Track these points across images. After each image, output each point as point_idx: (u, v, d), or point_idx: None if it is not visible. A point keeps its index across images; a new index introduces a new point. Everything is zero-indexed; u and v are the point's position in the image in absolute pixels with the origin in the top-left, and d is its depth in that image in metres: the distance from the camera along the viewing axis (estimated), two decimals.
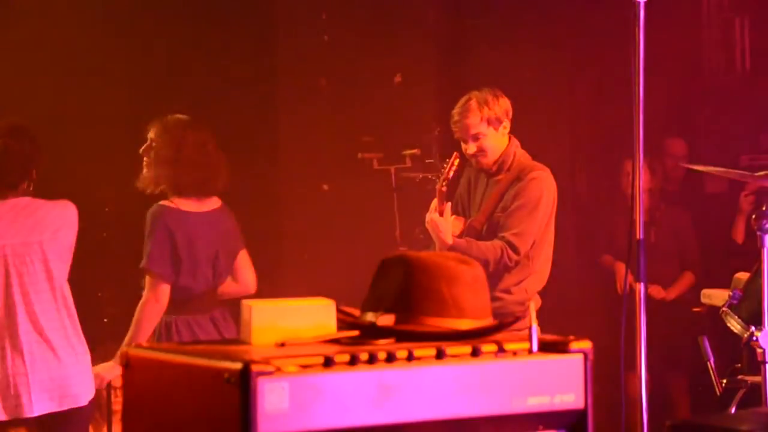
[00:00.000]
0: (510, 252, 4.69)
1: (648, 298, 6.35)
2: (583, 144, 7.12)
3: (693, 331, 4.88)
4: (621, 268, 6.21)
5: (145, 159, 4.68)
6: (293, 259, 6.70)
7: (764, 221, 3.49)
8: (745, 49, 7.10)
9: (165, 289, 4.56)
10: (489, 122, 4.81)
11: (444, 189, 4.76)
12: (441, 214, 4.72)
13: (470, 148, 4.82)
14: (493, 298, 4.67)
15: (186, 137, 4.64)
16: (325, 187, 7.07)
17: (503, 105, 4.87)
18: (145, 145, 4.69)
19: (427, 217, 4.74)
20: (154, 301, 4.55)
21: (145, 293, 4.59)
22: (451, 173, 4.77)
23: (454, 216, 4.85)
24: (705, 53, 7.29)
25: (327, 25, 7.02)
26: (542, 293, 4.98)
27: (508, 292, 4.77)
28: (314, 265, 6.65)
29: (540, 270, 4.85)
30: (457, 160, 4.77)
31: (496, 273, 4.68)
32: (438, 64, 7.06)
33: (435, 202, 4.77)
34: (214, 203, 4.75)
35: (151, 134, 4.68)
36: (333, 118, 6.89)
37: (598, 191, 7.10)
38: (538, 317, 5.02)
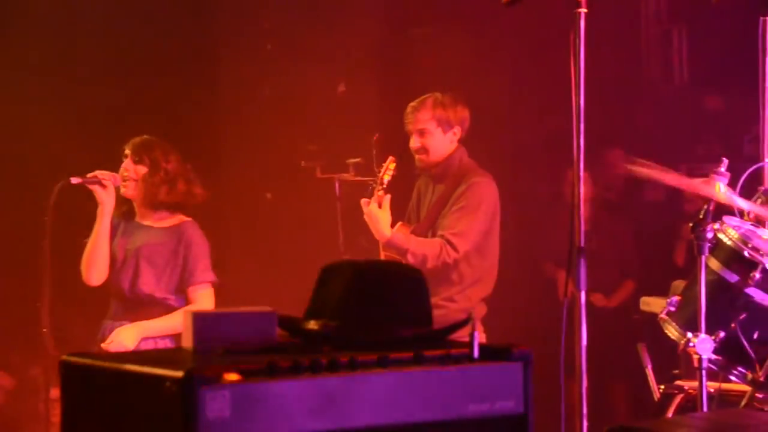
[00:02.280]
0: (449, 249, 4.70)
1: (589, 305, 6.46)
2: (526, 152, 7.17)
3: (633, 338, 4.93)
4: (562, 275, 6.26)
5: (133, 171, 4.72)
6: (236, 268, 6.67)
7: (702, 229, 3.55)
8: (683, 60, 7.20)
9: None
10: (439, 122, 4.85)
11: (381, 192, 4.76)
12: (380, 206, 4.72)
13: (414, 142, 4.86)
14: (437, 306, 4.74)
15: (175, 155, 4.72)
16: (269, 195, 7.06)
17: (460, 112, 4.90)
18: (138, 161, 4.73)
19: (365, 209, 4.74)
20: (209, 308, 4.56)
21: (206, 304, 4.63)
22: (387, 176, 4.77)
23: (400, 223, 4.86)
24: (644, 64, 7.38)
25: (270, 35, 7.02)
26: (486, 300, 5.00)
27: (451, 300, 4.79)
28: (258, 273, 6.63)
29: (484, 278, 4.88)
30: (393, 164, 4.78)
31: (435, 271, 4.68)
32: (381, 73, 7.09)
33: (374, 195, 4.77)
34: None
35: (153, 151, 4.73)
36: (276, 126, 6.88)
37: (541, 199, 7.16)
38: (482, 324, 5.05)
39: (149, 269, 4.70)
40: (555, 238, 6.51)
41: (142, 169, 4.72)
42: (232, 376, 2.04)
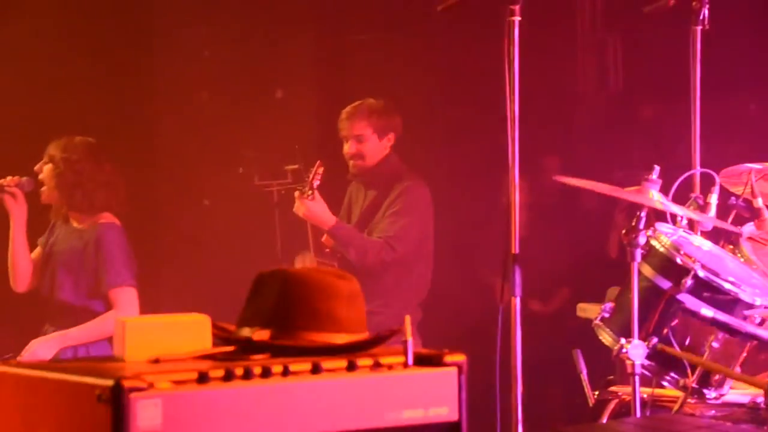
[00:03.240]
0: (388, 249, 4.73)
1: (526, 311, 6.52)
2: (463, 158, 7.21)
3: (569, 344, 4.98)
4: (499, 281, 6.30)
5: (46, 175, 4.64)
6: (172, 275, 6.62)
7: (634, 236, 3.58)
8: (618, 68, 7.28)
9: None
10: (375, 129, 4.88)
11: (311, 197, 4.74)
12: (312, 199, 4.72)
13: (350, 148, 4.88)
14: (373, 313, 4.74)
15: (101, 156, 4.65)
16: (206, 202, 7.02)
17: (394, 120, 4.94)
18: (47, 163, 4.65)
19: (299, 207, 4.73)
20: (132, 314, 4.47)
21: (128, 308, 4.51)
22: (316, 181, 4.77)
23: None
24: (579, 72, 7.44)
25: (207, 40, 6.98)
26: (422, 306, 5.02)
27: (387, 306, 4.80)
28: (194, 281, 6.59)
29: (419, 283, 4.90)
30: (321, 168, 4.79)
31: (372, 273, 4.68)
32: (319, 79, 7.09)
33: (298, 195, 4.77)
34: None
35: (62, 153, 4.64)
36: (214, 132, 6.85)
37: (478, 205, 7.20)
38: (418, 330, 5.07)
39: (66, 274, 4.61)
40: (492, 244, 6.55)
41: (55, 171, 4.63)
42: (164, 385, 2.02)
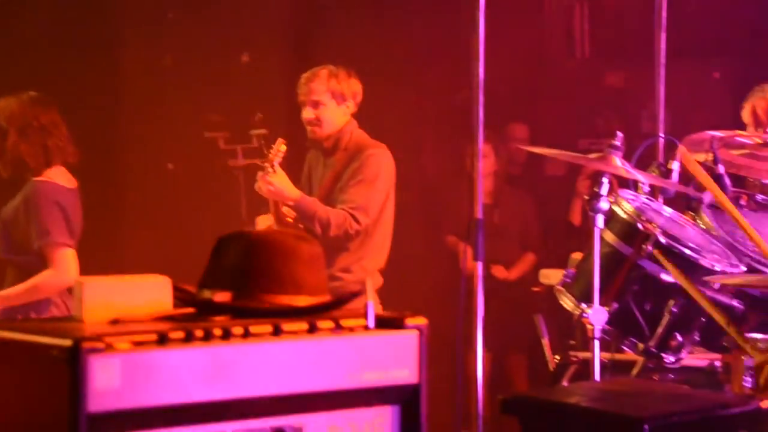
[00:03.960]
0: (352, 221, 4.72)
1: (491, 278, 6.56)
2: (431, 125, 7.21)
3: (533, 310, 5.01)
4: (463, 247, 6.33)
5: None
6: (137, 238, 6.60)
7: (596, 202, 3.60)
8: (584, 36, 7.29)
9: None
10: (333, 95, 4.84)
11: (271, 176, 4.72)
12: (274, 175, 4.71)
13: (308, 113, 4.85)
14: (333, 278, 4.75)
15: (44, 114, 4.55)
16: (170, 166, 6.99)
17: (353, 85, 4.90)
18: None
19: (261, 185, 4.71)
20: (66, 273, 4.39)
21: (64, 267, 4.44)
22: (277, 159, 4.75)
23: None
24: (546, 39, 7.45)
25: (171, 3, 6.92)
26: (387, 272, 5.02)
27: (347, 271, 4.80)
28: (159, 244, 6.56)
29: (380, 249, 4.89)
30: (283, 146, 4.75)
31: (332, 241, 4.68)
32: (285, 43, 7.05)
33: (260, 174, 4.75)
34: (73, 182, 4.67)
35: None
36: (178, 96, 6.81)
37: (444, 172, 7.21)
38: (380, 296, 5.08)
39: (5, 233, 4.57)
40: (457, 210, 6.57)
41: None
42: (123, 345, 2.01)
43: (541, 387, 4.13)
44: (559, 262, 4.83)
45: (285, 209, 4.83)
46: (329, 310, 2.38)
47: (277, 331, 2.20)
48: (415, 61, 6.95)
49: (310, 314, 2.33)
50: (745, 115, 4.83)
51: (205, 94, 6.76)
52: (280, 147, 4.74)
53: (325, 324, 2.27)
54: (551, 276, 4.80)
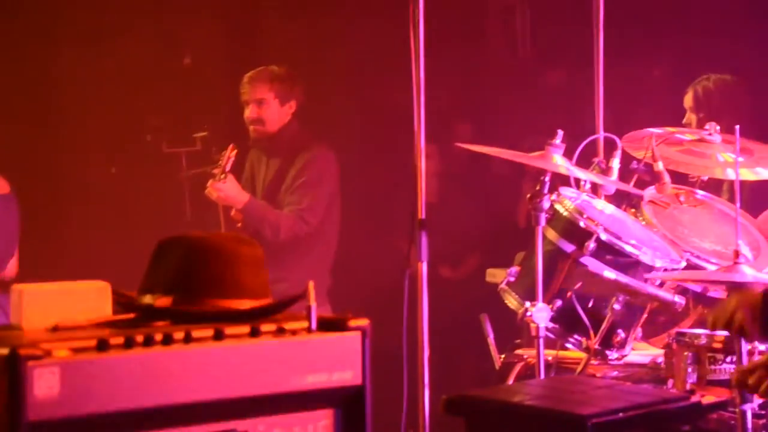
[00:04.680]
0: (301, 223, 4.73)
1: (436, 277, 6.57)
2: (377, 124, 7.21)
3: (479, 310, 5.04)
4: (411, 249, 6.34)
5: None
6: (79, 244, 6.53)
7: (538, 200, 3.62)
8: (527, 34, 7.33)
9: None
10: (277, 94, 4.86)
11: (223, 180, 4.72)
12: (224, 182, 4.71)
13: (251, 112, 4.86)
14: (281, 279, 4.75)
15: None
16: (113, 170, 6.93)
17: (296, 86, 4.93)
18: None
19: (211, 192, 4.72)
20: None
21: None
22: (228, 165, 4.75)
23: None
24: (489, 39, 7.48)
25: (111, 6, 6.87)
26: (335, 273, 5.03)
27: (295, 272, 4.80)
28: (102, 250, 6.50)
29: (326, 248, 4.90)
30: (234, 152, 4.76)
31: (281, 243, 4.68)
32: (227, 45, 7.02)
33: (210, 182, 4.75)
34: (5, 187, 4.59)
35: None
36: (121, 99, 6.75)
37: (390, 172, 7.22)
38: (329, 297, 5.07)
39: None
40: (402, 210, 6.57)
41: None
42: (62, 353, 1.99)
43: (487, 386, 4.15)
44: (505, 261, 4.86)
45: (234, 213, 4.83)
46: (271, 313, 2.38)
47: (218, 336, 2.19)
48: (358, 61, 6.95)
49: (252, 317, 2.31)
50: (687, 99, 4.87)
51: (147, 97, 6.72)
52: (231, 153, 4.75)
53: (267, 327, 2.26)
54: (498, 275, 4.81)
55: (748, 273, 3.15)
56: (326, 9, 6.82)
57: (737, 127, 3.33)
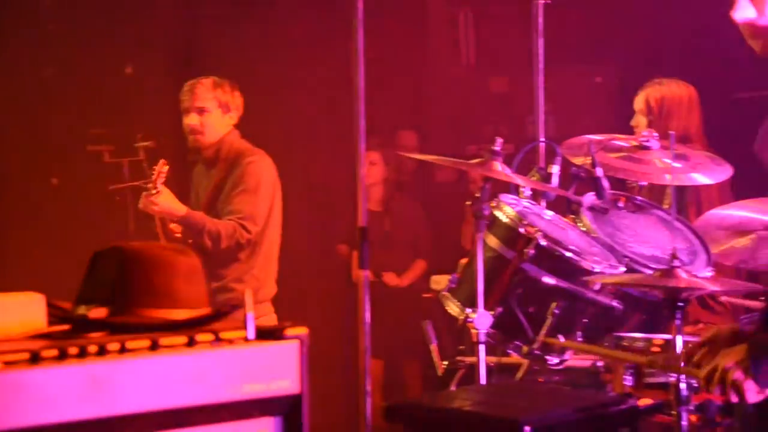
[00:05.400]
0: (242, 231, 4.71)
1: (383, 285, 6.58)
2: (322, 133, 7.21)
3: (425, 317, 5.06)
4: (354, 255, 6.35)
5: None
6: (20, 255, 6.47)
7: (478, 207, 3.64)
8: (470, 43, 7.37)
9: None
10: (219, 103, 4.84)
11: (156, 194, 4.70)
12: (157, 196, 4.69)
13: (192, 119, 4.83)
14: (227, 289, 4.74)
15: None
16: (54, 180, 6.87)
17: (236, 98, 4.91)
18: None
19: (145, 204, 4.70)
20: None
21: None
22: (160, 180, 4.73)
23: None
24: (432, 47, 7.52)
25: (51, 14, 6.81)
26: (279, 281, 5.02)
27: (240, 281, 4.79)
28: (44, 261, 6.44)
29: (269, 256, 4.89)
30: (166, 167, 4.74)
31: (224, 252, 4.67)
32: (169, 54, 6.99)
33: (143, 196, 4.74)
34: None
35: None
36: (61, 109, 6.70)
37: (335, 181, 7.22)
38: (274, 305, 5.05)
39: None
40: (347, 218, 6.59)
41: None
42: None
43: (428, 393, 4.16)
44: (451, 268, 4.88)
45: (173, 225, 4.81)
46: (208, 323, 2.37)
47: (154, 346, 2.18)
48: (300, 70, 6.95)
49: (189, 327, 2.30)
50: (638, 101, 4.89)
51: (88, 107, 6.67)
52: (162, 168, 4.72)
53: (204, 337, 2.25)
54: (442, 282, 4.82)
55: (683, 277, 3.18)
56: (267, 18, 6.81)
57: (672, 133, 3.37)
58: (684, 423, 2.97)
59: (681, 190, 4.54)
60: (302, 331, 2.37)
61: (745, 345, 2.38)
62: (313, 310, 5.72)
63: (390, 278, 6.69)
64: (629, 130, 4.80)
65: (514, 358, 3.76)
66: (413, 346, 6.54)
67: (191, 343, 2.23)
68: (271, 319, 4.94)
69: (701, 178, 4.04)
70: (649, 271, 3.65)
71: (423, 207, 7.02)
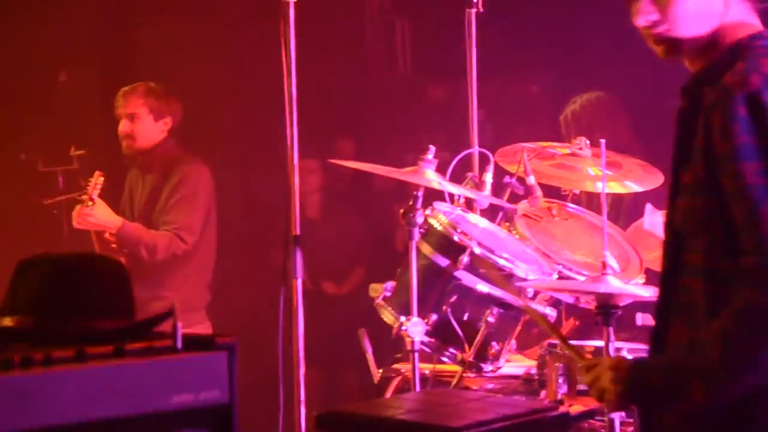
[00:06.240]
0: (178, 242, 4.69)
1: (321, 293, 6.56)
2: (257, 141, 7.19)
3: (362, 325, 5.05)
4: (289, 263, 6.32)
5: None
6: None
7: (412, 215, 3.65)
8: (407, 50, 7.39)
9: None
10: (151, 109, 4.83)
11: (91, 207, 4.66)
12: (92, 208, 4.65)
13: (124, 126, 4.83)
14: (161, 298, 4.70)
15: None
16: None
17: (171, 103, 4.89)
18: None
19: (80, 220, 4.66)
20: None
21: None
22: (95, 192, 4.70)
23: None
24: (369, 55, 7.52)
25: None
26: (214, 290, 4.99)
27: (176, 289, 4.76)
28: None
29: (205, 264, 4.87)
30: (101, 179, 4.71)
31: (164, 263, 4.65)
32: (104, 61, 6.94)
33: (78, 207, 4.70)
34: None
35: None
36: None
37: (270, 188, 7.20)
38: (208, 313, 5.02)
39: None
40: (281, 226, 6.54)
41: None
42: None
43: (360, 401, 4.16)
44: (390, 276, 4.88)
45: (108, 236, 4.77)
46: (136, 333, 2.34)
47: (80, 357, 2.15)
48: (236, 77, 6.93)
49: (116, 338, 2.28)
50: (562, 128, 4.98)
51: (21, 115, 6.59)
52: (98, 180, 4.69)
53: (132, 347, 2.23)
54: (379, 290, 4.83)
55: (614, 284, 3.21)
56: (204, 26, 6.78)
57: (602, 141, 3.40)
58: (616, 429, 2.99)
59: (618, 198, 4.59)
60: (231, 340, 2.35)
61: (629, 367, 2.38)
62: (249, 318, 5.69)
63: (329, 286, 6.68)
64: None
65: (449, 365, 3.77)
66: (352, 354, 6.51)
67: (118, 353, 2.20)
68: (206, 328, 4.92)
69: (633, 186, 4.08)
70: (582, 278, 3.68)
71: (362, 215, 7.01)
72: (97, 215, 4.65)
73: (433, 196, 3.93)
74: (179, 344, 2.29)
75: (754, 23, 2.43)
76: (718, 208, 2.24)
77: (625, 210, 4.63)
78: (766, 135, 2.20)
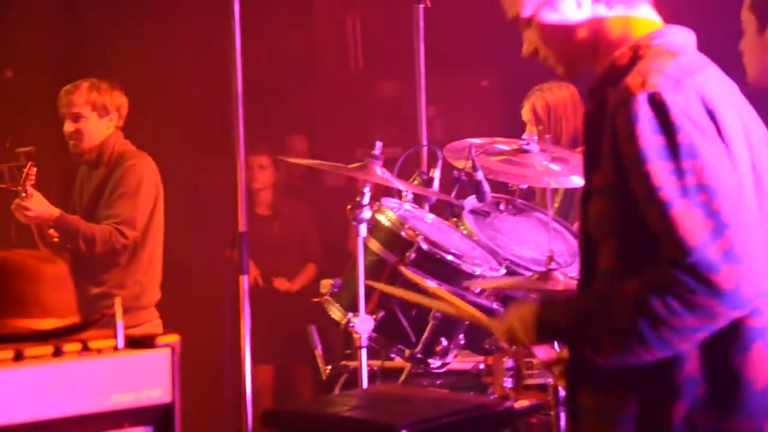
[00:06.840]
0: (118, 236, 4.65)
1: (273, 290, 6.54)
2: (206, 137, 7.15)
3: (315, 321, 5.04)
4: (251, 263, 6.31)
5: None
6: None
7: (359, 211, 3.64)
8: (358, 47, 7.38)
9: None
10: (94, 107, 4.78)
11: (25, 200, 4.61)
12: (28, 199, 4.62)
13: (68, 126, 4.79)
14: (108, 295, 4.65)
15: None
16: None
17: (117, 98, 4.84)
18: None
19: (18, 210, 4.61)
20: None
21: None
22: (29, 183, 4.65)
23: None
24: (321, 51, 7.51)
25: None
26: (165, 287, 4.95)
27: (121, 286, 4.72)
28: None
29: (151, 261, 4.83)
30: (34, 169, 4.66)
31: (103, 257, 4.61)
32: (51, 57, 6.87)
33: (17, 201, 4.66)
34: None
35: None
36: None
37: (221, 185, 7.16)
38: (159, 310, 4.98)
39: None
40: (230, 222, 6.51)
41: None
42: None
43: (307, 398, 4.15)
44: (340, 273, 4.87)
45: (50, 231, 4.73)
46: (76, 332, 2.32)
47: (18, 357, 2.12)
48: (184, 72, 6.88)
49: (56, 337, 2.25)
50: (525, 113, 4.92)
51: None
52: (31, 170, 4.64)
53: (71, 347, 2.20)
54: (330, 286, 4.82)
55: (560, 279, 3.22)
56: (150, 21, 6.73)
57: (547, 136, 3.41)
58: (562, 423, 3.00)
59: (571, 192, 4.59)
60: (173, 339, 2.34)
61: (536, 307, 2.40)
62: (199, 315, 5.66)
63: (280, 283, 6.67)
64: (517, 134, 4.83)
65: (397, 361, 3.77)
66: (304, 351, 6.50)
67: (58, 353, 2.18)
68: (155, 325, 4.88)
69: (580, 181, 4.09)
70: (529, 274, 3.69)
71: (313, 211, 7.00)
72: (33, 207, 4.60)
73: (383, 192, 3.92)
74: (121, 344, 2.27)
75: (653, 18, 2.41)
76: (630, 211, 2.21)
77: (577, 203, 4.63)
78: (670, 134, 2.17)
